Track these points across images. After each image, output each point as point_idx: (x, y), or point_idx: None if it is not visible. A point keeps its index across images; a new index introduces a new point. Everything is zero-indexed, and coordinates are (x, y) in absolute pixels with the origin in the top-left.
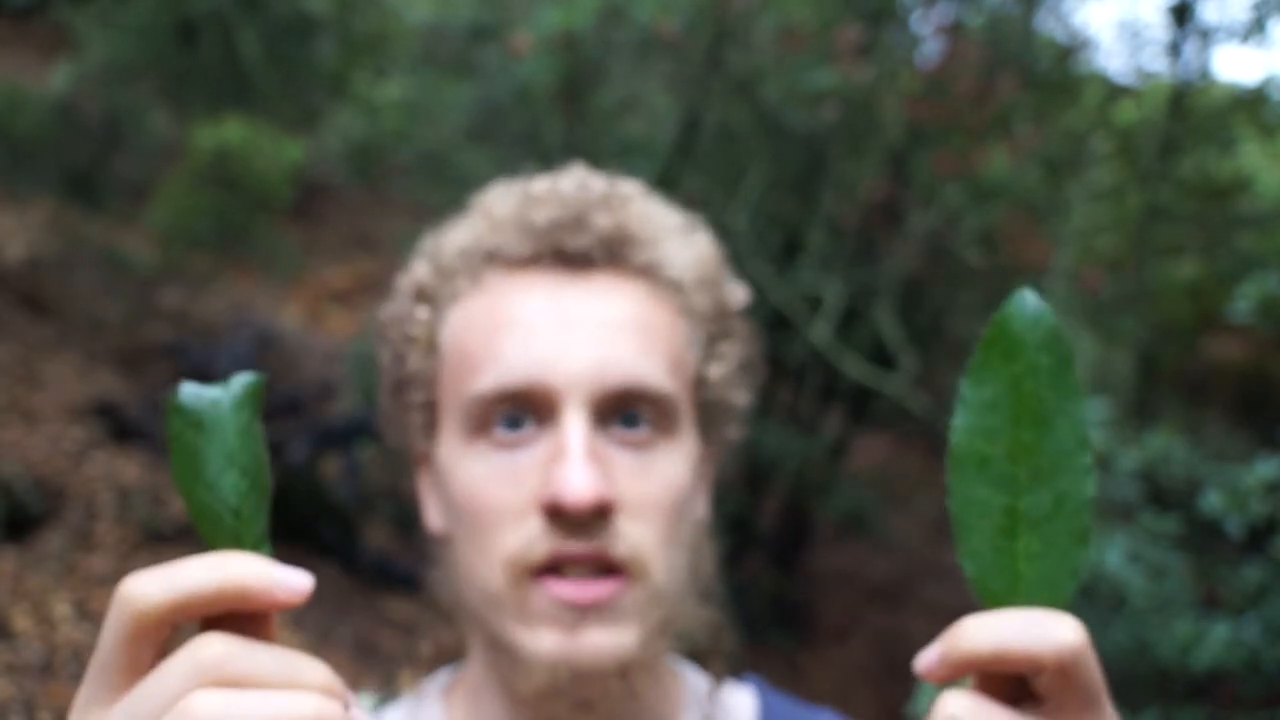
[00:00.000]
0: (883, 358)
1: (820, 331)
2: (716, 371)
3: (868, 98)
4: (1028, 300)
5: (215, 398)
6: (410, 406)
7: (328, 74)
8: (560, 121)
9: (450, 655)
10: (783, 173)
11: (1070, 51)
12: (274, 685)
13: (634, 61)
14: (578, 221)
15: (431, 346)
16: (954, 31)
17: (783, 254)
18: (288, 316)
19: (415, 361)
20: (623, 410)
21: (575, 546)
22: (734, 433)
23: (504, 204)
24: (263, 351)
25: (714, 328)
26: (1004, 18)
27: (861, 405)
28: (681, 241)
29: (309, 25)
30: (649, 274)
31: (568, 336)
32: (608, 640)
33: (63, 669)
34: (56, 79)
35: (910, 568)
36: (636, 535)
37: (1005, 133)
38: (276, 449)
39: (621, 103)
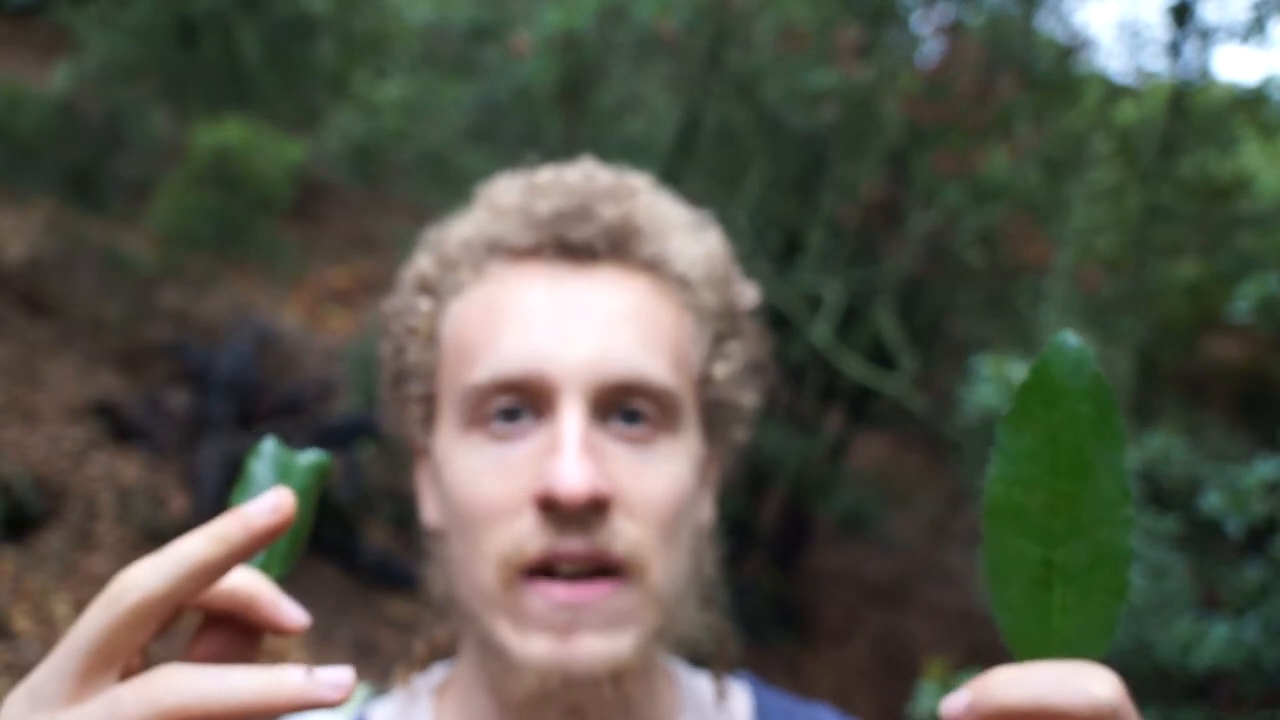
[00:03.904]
0: (883, 358)
1: (820, 331)
2: (722, 370)
3: (868, 98)
4: (1069, 344)
5: (293, 457)
6: (409, 399)
7: (328, 74)
8: (560, 121)
9: (444, 652)
10: (783, 173)
11: (1070, 51)
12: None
13: (634, 61)
14: (582, 212)
15: (432, 338)
16: (954, 31)
17: (783, 254)
18: (288, 316)
19: (415, 353)
20: (622, 405)
21: (570, 544)
22: (740, 435)
23: (508, 194)
24: (263, 351)
25: (721, 326)
26: (1004, 18)
27: (861, 405)
28: (690, 237)
29: (309, 25)
30: (654, 268)
31: (567, 328)
32: (602, 646)
33: None
34: (56, 79)
35: (910, 568)
36: (634, 534)
37: (1005, 133)
38: None
39: (621, 103)
